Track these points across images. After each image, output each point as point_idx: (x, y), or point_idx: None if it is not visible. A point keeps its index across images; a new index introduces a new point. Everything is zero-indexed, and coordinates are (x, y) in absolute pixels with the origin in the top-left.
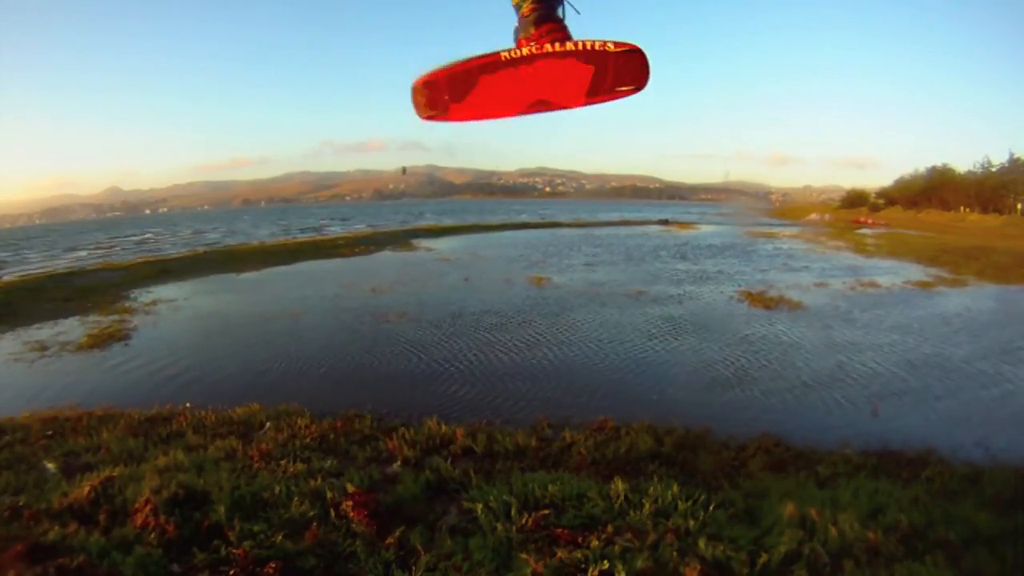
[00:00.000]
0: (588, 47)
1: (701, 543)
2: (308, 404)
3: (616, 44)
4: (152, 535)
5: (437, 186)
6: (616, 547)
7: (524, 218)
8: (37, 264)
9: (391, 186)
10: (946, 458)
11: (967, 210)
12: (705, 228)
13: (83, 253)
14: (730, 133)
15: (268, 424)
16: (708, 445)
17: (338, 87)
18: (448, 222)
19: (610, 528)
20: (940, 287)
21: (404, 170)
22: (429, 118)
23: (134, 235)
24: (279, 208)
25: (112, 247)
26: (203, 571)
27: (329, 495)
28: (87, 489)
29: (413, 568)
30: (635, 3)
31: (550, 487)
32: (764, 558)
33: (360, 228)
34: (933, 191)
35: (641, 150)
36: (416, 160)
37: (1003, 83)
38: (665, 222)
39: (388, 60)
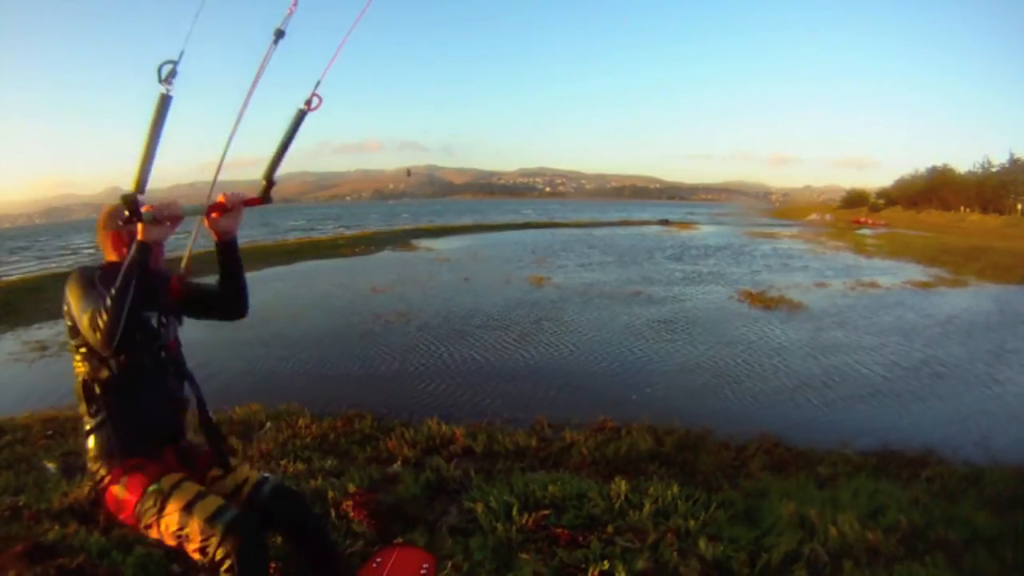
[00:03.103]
0: None
1: (701, 543)
2: (308, 404)
3: None
4: None
5: (438, 186)
6: (616, 547)
7: (515, 218)
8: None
9: (391, 186)
10: (946, 458)
11: (967, 210)
12: (705, 228)
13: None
14: (730, 133)
15: (268, 424)
16: (708, 445)
17: (334, 86)
18: (433, 223)
19: (610, 528)
20: (940, 287)
21: (409, 172)
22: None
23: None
24: (279, 208)
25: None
26: (203, 571)
27: (330, 495)
28: (87, 489)
29: None
30: (635, 3)
31: (550, 487)
32: (764, 558)
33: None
34: (933, 191)
35: (641, 150)
36: (416, 160)
37: (1003, 83)
38: (665, 222)
39: (384, 59)
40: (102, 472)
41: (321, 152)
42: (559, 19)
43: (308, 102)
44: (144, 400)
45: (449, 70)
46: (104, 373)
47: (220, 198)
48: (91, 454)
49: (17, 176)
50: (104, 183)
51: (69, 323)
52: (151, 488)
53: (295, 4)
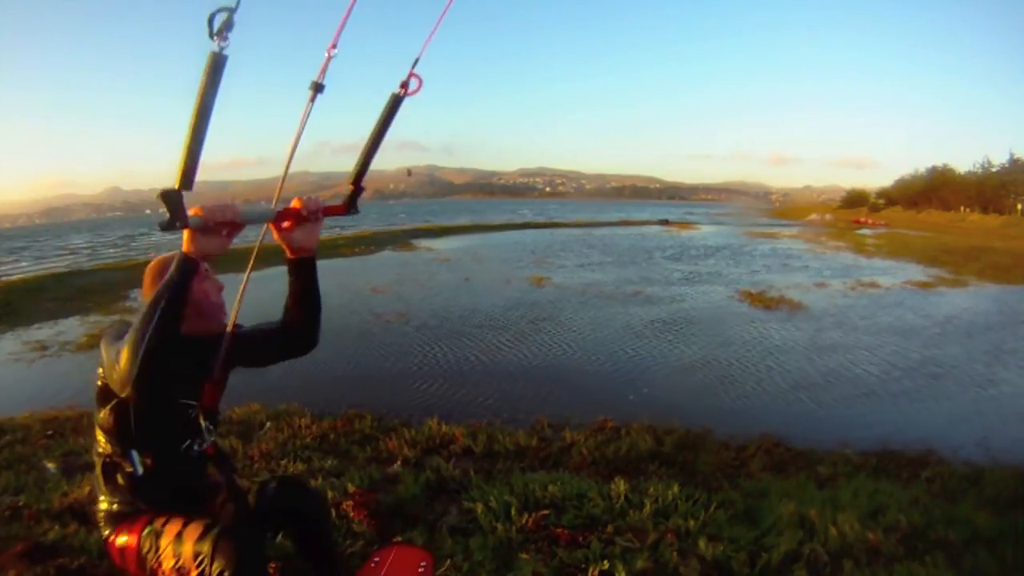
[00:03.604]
0: None
1: (701, 543)
2: (308, 404)
3: None
4: None
5: (438, 186)
6: (616, 547)
7: (512, 218)
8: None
9: (391, 186)
10: (946, 458)
11: (967, 210)
12: (705, 228)
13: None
14: (730, 133)
15: (268, 424)
16: (708, 445)
17: (330, 87)
18: (428, 222)
19: (610, 528)
20: (940, 287)
21: (409, 172)
22: None
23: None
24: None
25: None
26: None
27: (330, 495)
28: (87, 489)
29: None
30: (635, 3)
31: (550, 487)
32: (764, 558)
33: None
34: (933, 191)
35: (641, 150)
36: (416, 160)
37: (1003, 83)
38: (665, 222)
39: (380, 58)
40: (107, 531)
41: (321, 152)
42: (559, 19)
43: (404, 85)
44: (171, 496)
45: (449, 70)
46: (128, 468)
47: (295, 203)
48: (100, 515)
49: (17, 176)
50: (104, 183)
51: (99, 384)
52: (145, 532)
53: (334, 47)
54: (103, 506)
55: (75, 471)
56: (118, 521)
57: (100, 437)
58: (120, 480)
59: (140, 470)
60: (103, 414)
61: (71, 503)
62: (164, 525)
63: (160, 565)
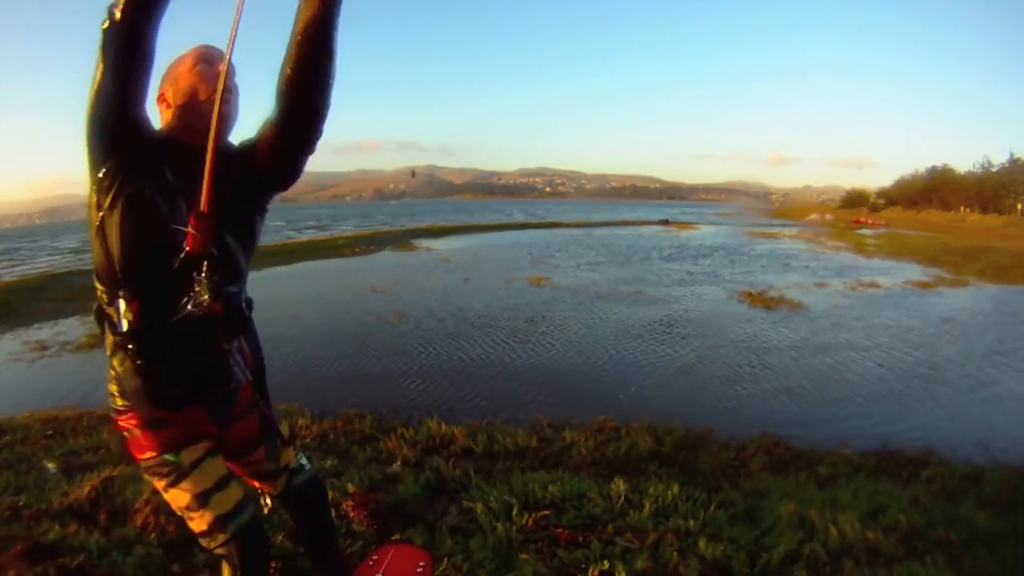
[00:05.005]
0: None
1: (701, 543)
2: (308, 404)
3: None
4: (152, 535)
5: (438, 186)
6: (616, 547)
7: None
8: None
9: (391, 186)
10: (946, 458)
11: (967, 210)
12: (705, 229)
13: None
14: (730, 133)
15: None
16: (708, 445)
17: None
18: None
19: (610, 528)
20: (940, 287)
21: (413, 172)
22: None
23: None
24: (278, 208)
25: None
26: (203, 571)
27: (330, 495)
28: (87, 489)
29: None
30: (636, 3)
31: (550, 487)
32: (764, 558)
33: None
34: (933, 191)
35: (641, 150)
36: (415, 160)
37: (1003, 83)
38: (665, 222)
39: (382, 59)
40: (119, 403)
41: (320, 152)
42: (561, 18)
43: None
44: (168, 372)
45: (448, 69)
46: (114, 316)
47: None
48: (111, 373)
49: (17, 176)
50: None
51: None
52: (168, 456)
53: None
54: (112, 386)
55: (75, 471)
56: (128, 411)
57: (96, 284)
58: (110, 336)
59: (123, 325)
60: (94, 243)
61: (71, 503)
62: (192, 468)
63: (166, 492)
